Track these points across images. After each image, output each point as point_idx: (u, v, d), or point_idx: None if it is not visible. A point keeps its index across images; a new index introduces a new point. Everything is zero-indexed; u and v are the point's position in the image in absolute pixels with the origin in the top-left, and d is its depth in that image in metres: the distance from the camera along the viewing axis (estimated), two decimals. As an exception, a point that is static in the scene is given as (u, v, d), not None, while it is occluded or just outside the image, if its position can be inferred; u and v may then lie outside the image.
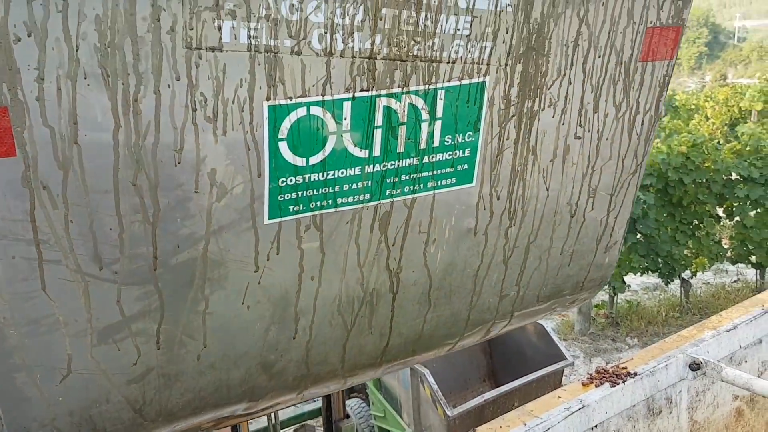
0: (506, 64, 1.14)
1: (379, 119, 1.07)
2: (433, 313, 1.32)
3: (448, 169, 1.17)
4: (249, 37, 0.94)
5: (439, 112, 1.12)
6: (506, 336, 5.14)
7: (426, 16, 1.01)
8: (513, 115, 1.17)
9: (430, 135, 1.13)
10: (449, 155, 1.16)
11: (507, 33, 1.09)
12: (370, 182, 1.11)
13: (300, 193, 1.06)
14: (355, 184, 1.10)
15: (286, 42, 0.96)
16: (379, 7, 0.97)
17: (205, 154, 0.98)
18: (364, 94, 1.03)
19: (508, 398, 4.26)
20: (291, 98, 1.00)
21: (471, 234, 1.26)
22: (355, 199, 1.12)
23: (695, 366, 1.99)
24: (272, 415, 2.24)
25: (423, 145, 1.14)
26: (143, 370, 1.06)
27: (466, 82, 1.11)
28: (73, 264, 0.95)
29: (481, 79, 1.11)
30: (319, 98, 1.00)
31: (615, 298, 6.87)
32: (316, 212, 1.10)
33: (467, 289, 1.33)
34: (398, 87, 1.05)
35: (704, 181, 6.37)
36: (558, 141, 1.27)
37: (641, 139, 1.35)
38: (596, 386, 1.86)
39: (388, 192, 1.13)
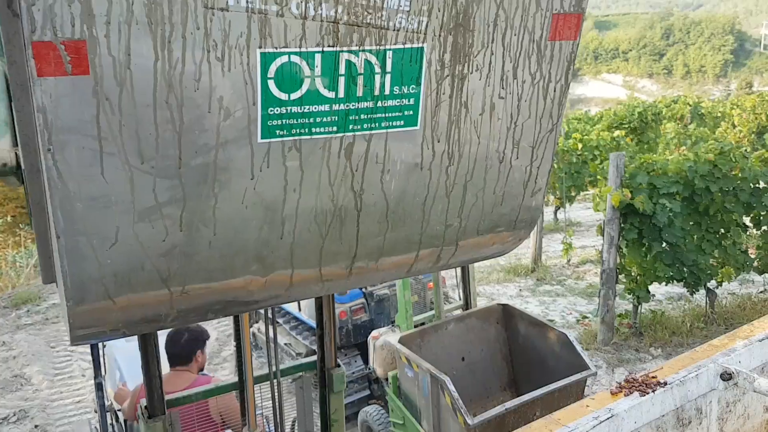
0: (440, 35, 1.45)
1: (342, 69, 1.38)
2: (391, 233, 1.61)
3: (397, 113, 1.48)
4: (247, 1, 1.28)
5: (389, 68, 1.42)
6: (528, 345, 5.08)
7: None
8: (447, 75, 1.49)
9: (382, 85, 1.44)
10: (398, 102, 1.47)
11: (439, 11, 1.41)
12: (336, 117, 1.42)
13: (284, 120, 1.39)
14: (325, 118, 1.41)
15: (273, 7, 1.30)
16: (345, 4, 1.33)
17: (216, 85, 1.31)
18: (330, 49, 1.36)
19: (530, 408, 4.19)
20: (276, 48, 1.33)
21: (418, 168, 1.56)
22: (326, 130, 1.43)
23: (727, 376, 1.93)
24: (273, 364, 2.59)
25: (377, 92, 1.44)
26: (169, 246, 1.39)
27: (408, 46, 1.42)
28: (123, 157, 1.29)
29: (420, 45, 1.43)
30: (297, 50, 1.34)
31: (639, 308, 6.76)
32: (296, 137, 1.41)
33: (417, 215, 1.62)
34: (356, 46, 1.38)
35: (731, 189, 6.27)
36: (485, 99, 1.56)
37: (554, 103, 1.63)
38: (625, 395, 1.82)
39: (351, 127, 1.44)
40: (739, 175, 6.23)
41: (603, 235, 6.43)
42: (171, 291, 1.42)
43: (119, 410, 3.59)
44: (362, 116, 1.42)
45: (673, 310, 7.35)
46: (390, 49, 1.39)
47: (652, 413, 1.85)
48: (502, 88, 1.54)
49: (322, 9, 1.30)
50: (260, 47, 1.30)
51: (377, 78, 1.40)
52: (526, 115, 1.60)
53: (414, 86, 1.44)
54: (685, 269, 6.29)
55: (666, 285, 6.60)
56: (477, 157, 1.59)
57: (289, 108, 1.35)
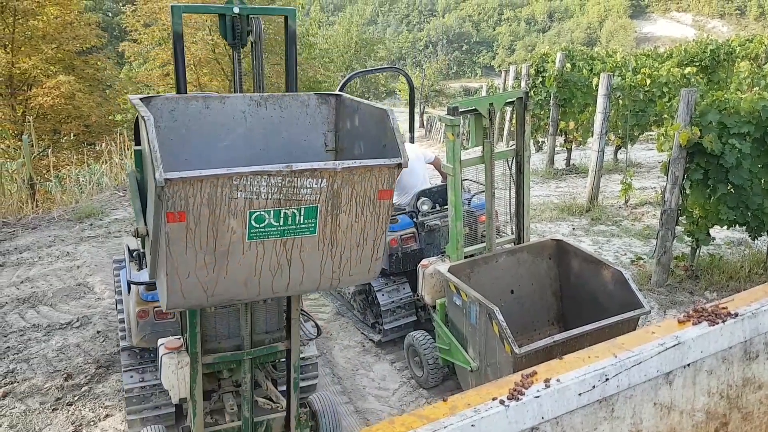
0: (325, 200, 2.79)
1: (282, 215, 2.75)
2: (306, 275, 2.99)
3: (306, 229, 2.85)
4: (243, 195, 2.62)
5: (302, 213, 2.79)
6: (580, 281, 5.02)
7: (295, 185, 2.69)
8: (329, 214, 2.83)
9: (300, 219, 2.81)
10: (306, 225, 2.84)
11: (325, 192, 2.76)
12: (279, 231, 2.79)
13: (257, 233, 2.75)
14: (274, 232, 2.78)
15: (252, 197, 2.65)
16: (282, 187, 2.70)
17: (231, 222, 2.64)
18: (277, 208, 2.71)
19: (578, 342, 4.16)
20: (254, 209, 2.67)
21: (317, 249, 2.93)
22: (274, 236, 2.80)
23: (803, 312, 1.85)
24: None
25: (297, 222, 2.81)
26: (208, 279, 2.77)
27: (311, 205, 2.78)
28: (194, 247, 2.68)
29: (316, 205, 2.78)
30: (263, 209, 2.69)
31: (698, 251, 6.57)
32: (262, 239, 2.77)
33: (318, 268, 3.00)
34: (287, 206, 2.73)
35: (807, 132, 5.92)
36: (348, 222, 2.91)
37: (382, 222, 2.99)
38: (693, 324, 1.76)
39: (285, 234, 2.81)
40: (818, 117, 5.87)
41: (667, 175, 6.20)
42: (207, 295, 2.84)
43: None
44: (290, 231, 2.85)
45: (731, 254, 7.13)
46: (302, 207, 2.79)
47: (720, 344, 1.79)
48: (356, 218, 2.94)
49: (272, 195, 2.71)
50: (249, 209, 2.68)
51: (297, 217, 2.82)
52: (369, 228, 3.00)
53: (313, 219, 2.86)
54: (749, 213, 6.05)
55: (727, 229, 6.37)
56: (346, 245, 3.00)
57: (258, 229, 2.78)
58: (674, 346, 1.68)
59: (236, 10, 3.91)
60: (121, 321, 4.95)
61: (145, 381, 4.51)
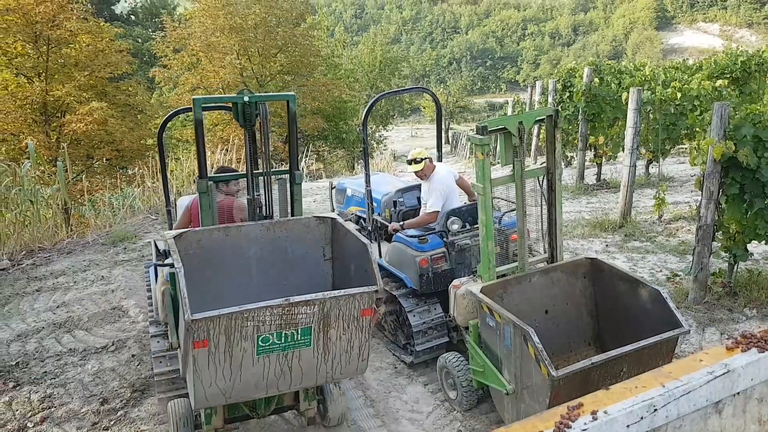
0: (318, 321, 3.67)
1: (283, 335, 3.57)
2: (305, 377, 3.75)
3: (303, 343, 3.63)
4: (252, 323, 3.49)
5: (300, 333, 3.60)
6: (616, 300, 4.93)
7: (293, 312, 3.56)
8: (320, 331, 3.61)
9: (298, 336, 3.62)
10: (303, 340, 3.62)
11: (317, 315, 3.63)
12: (282, 347, 3.60)
13: (264, 350, 3.57)
14: (277, 348, 3.59)
15: (259, 323, 3.53)
16: (283, 315, 3.55)
17: (244, 345, 3.52)
18: (279, 331, 3.54)
19: (617, 363, 4.08)
20: (262, 333, 3.53)
21: (312, 357, 3.69)
22: (279, 349, 3.60)
23: None
24: (267, 166, 4.89)
25: (296, 338, 3.60)
26: (225, 385, 3.60)
27: (306, 326, 3.60)
28: (214, 363, 3.58)
29: (310, 326, 3.62)
30: (269, 333, 3.55)
31: (735, 267, 6.42)
32: (268, 353, 3.59)
33: (314, 370, 3.76)
34: (288, 329, 3.57)
35: None
36: (337, 335, 3.67)
37: (366, 333, 3.78)
38: (742, 351, 1.71)
39: (287, 348, 3.63)
40: None
41: (701, 190, 6.09)
42: (225, 397, 3.58)
43: None
44: (290, 345, 3.55)
45: (771, 270, 6.95)
46: (299, 328, 3.52)
47: (771, 371, 1.73)
48: (343, 331, 3.66)
49: (275, 321, 3.44)
50: (257, 334, 3.43)
51: (295, 335, 3.53)
52: (354, 339, 3.73)
53: (308, 336, 3.58)
54: (788, 228, 5.90)
55: (765, 244, 6.22)
56: (336, 352, 3.73)
57: (265, 347, 3.53)
58: (723, 374, 1.63)
59: (246, 98, 4.63)
60: (150, 305, 5.73)
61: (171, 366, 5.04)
